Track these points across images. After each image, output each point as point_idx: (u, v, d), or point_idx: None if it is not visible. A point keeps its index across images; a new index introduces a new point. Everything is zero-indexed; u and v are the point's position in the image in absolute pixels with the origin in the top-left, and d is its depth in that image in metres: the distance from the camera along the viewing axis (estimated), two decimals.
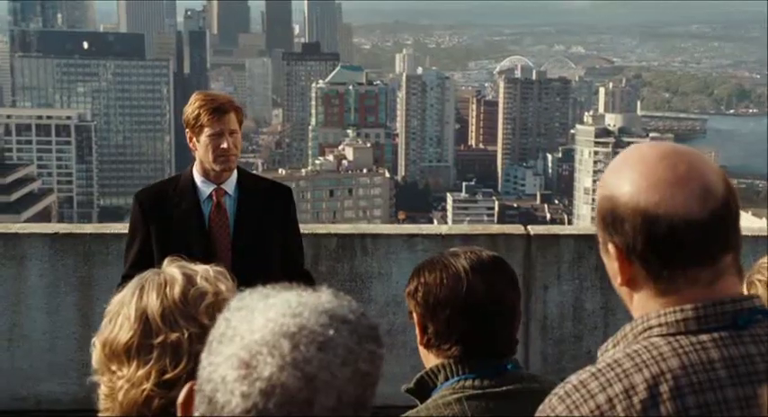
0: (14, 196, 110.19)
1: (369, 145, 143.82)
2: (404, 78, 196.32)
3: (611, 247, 1.33)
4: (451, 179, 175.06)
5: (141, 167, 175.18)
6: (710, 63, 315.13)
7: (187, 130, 3.64)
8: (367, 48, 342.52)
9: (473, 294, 1.91)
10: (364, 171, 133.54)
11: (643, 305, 1.33)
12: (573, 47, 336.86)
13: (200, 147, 3.59)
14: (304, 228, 5.46)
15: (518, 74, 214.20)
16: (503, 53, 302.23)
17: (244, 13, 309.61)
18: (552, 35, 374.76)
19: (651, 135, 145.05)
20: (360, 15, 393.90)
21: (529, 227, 5.54)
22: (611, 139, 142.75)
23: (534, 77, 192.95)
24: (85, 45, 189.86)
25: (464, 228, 5.89)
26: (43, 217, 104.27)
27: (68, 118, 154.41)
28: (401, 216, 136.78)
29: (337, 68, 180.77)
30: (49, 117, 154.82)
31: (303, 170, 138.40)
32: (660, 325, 1.30)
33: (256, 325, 1.01)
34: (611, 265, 1.35)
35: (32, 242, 5.22)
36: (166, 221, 3.63)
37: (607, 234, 1.34)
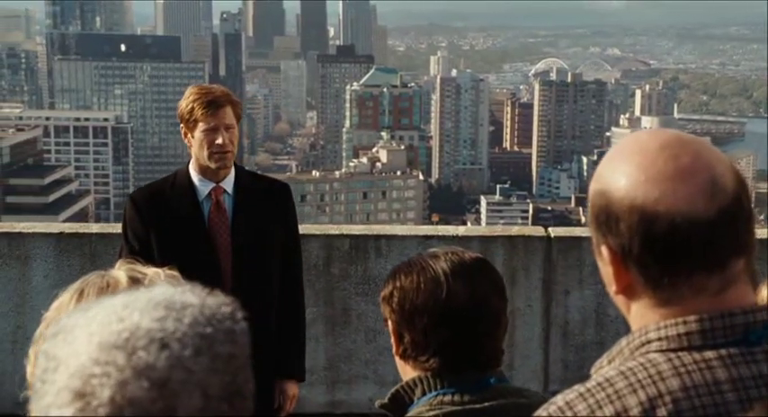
0: (52, 197, 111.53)
1: (403, 147, 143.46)
2: (438, 80, 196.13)
3: (604, 250, 1.19)
4: (486, 181, 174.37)
5: (177, 169, 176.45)
6: (749, 65, 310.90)
7: (181, 125, 3.51)
8: (401, 51, 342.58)
9: (453, 300, 1.74)
10: (398, 173, 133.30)
11: (641, 316, 1.18)
12: (608, 49, 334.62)
13: (195, 143, 3.47)
14: (316, 229, 5.35)
15: (553, 76, 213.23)
16: (538, 55, 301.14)
17: (279, 16, 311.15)
18: (588, 37, 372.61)
19: None
20: (394, 17, 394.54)
21: (549, 229, 5.35)
22: None
23: (570, 79, 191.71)
24: (123, 47, 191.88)
25: (482, 230, 5.70)
26: (81, 217, 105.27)
27: (105, 120, 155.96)
28: (435, 218, 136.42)
29: (372, 71, 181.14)
30: (86, 119, 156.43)
31: (337, 172, 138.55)
32: (660, 339, 1.14)
33: (80, 346, 0.84)
34: (606, 270, 1.20)
35: (37, 242, 5.11)
36: (165, 221, 3.51)
37: (600, 234, 1.19)
